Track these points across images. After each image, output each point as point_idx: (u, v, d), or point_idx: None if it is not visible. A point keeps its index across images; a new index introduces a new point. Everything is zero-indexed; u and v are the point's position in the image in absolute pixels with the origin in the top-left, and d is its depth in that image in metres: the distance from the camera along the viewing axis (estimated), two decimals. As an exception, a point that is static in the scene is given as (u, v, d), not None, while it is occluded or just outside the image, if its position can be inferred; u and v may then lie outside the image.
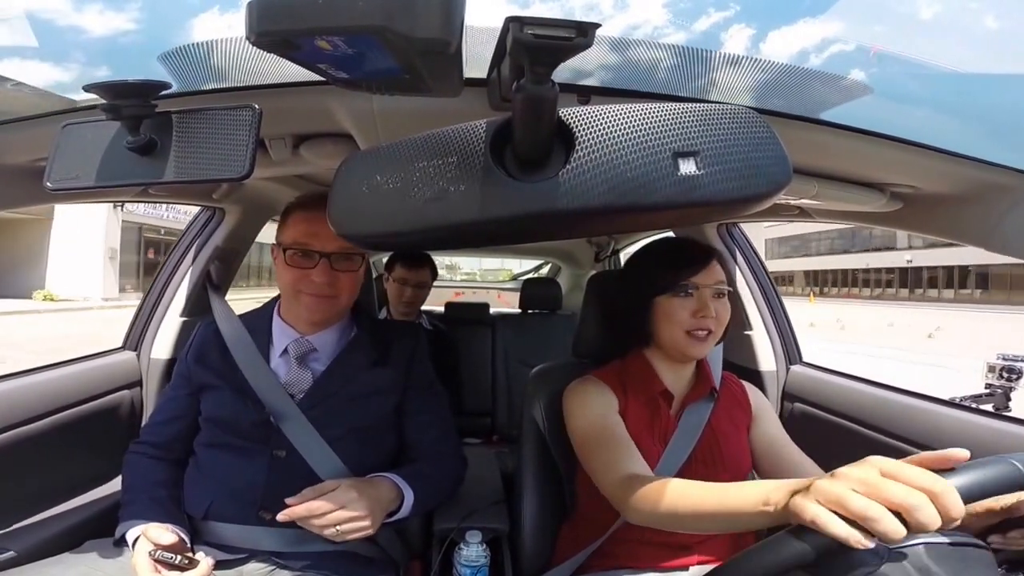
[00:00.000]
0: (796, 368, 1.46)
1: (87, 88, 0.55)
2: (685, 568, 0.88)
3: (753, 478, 0.95)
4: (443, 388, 1.09)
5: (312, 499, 0.79)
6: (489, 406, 2.36)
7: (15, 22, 0.67)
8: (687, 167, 0.48)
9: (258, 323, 1.00)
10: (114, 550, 0.86)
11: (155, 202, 1.61)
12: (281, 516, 0.78)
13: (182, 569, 0.77)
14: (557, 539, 1.03)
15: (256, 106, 0.55)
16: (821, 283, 38.94)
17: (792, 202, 1.05)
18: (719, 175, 0.48)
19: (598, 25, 0.39)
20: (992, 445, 0.88)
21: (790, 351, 1.48)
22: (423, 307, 2.13)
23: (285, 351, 0.97)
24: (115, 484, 1.22)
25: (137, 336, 1.43)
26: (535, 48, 0.40)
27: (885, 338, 13.43)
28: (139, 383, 1.39)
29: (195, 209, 1.49)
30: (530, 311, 2.57)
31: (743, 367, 1.48)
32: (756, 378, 1.43)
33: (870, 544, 0.44)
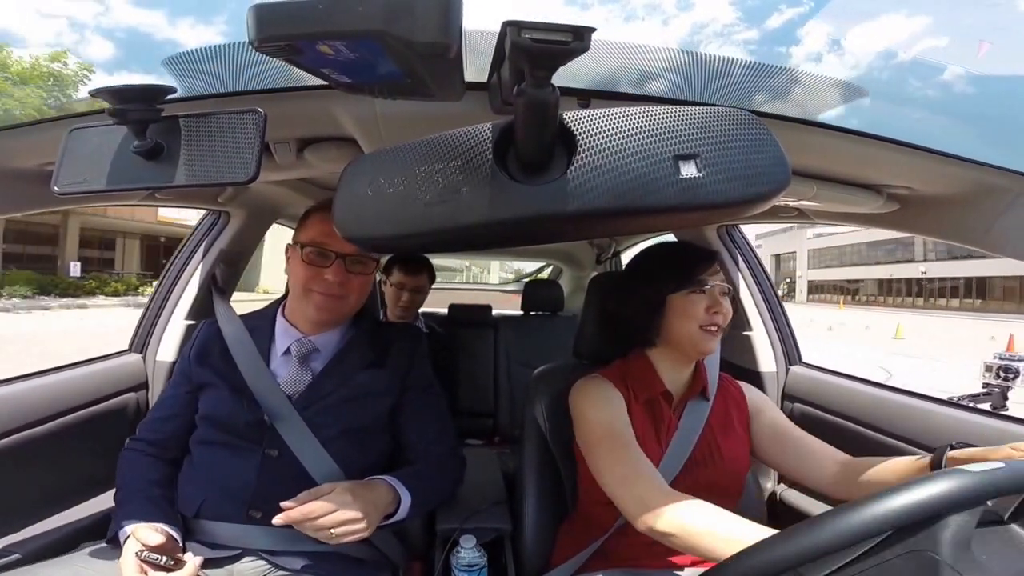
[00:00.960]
0: (796, 369, 1.47)
1: (93, 93, 0.55)
2: (684, 568, 0.88)
3: (753, 478, 0.95)
4: (441, 390, 1.09)
5: (307, 502, 0.79)
6: (491, 407, 2.36)
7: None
8: (688, 170, 0.49)
9: (261, 323, 1.01)
10: (108, 551, 0.85)
11: (160, 205, 1.64)
12: (276, 519, 0.78)
13: (168, 570, 0.77)
14: (557, 539, 1.03)
15: (261, 110, 0.56)
16: (852, 292, 43.40)
17: (791, 203, 1.05)
18: (719, 177, 0.48)
19: (594, 29, 0.40)
20: (990, 444, 0.88)
21: (790, 352, 1.49)
22: (421, 309, 2.13)
23: (287, 351, 0.97)
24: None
25: (143, 338, 1.43)
26: (534, 52, 0.40)
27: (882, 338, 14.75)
28: (145, 385, 1.39)
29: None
30: (532, 313, 2.57)
31: (743, 368, 1.48)
32: (756, 379, 1.43)
33: None
